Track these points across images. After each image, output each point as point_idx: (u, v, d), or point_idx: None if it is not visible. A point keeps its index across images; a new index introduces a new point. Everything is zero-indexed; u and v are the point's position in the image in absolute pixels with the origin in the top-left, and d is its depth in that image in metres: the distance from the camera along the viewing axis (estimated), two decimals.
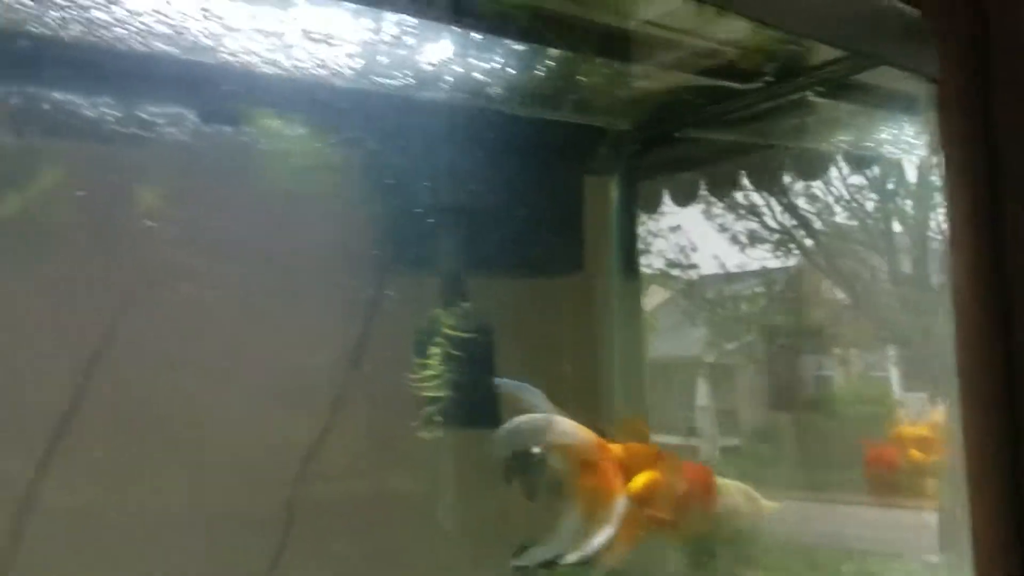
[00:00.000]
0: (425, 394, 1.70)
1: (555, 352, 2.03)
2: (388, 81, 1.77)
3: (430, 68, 1.70)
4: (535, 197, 1.97)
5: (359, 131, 1.89)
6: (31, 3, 1.49)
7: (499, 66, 1.66)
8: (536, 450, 1.88)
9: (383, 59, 1.69)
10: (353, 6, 1.52)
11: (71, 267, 1.82)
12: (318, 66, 1.72)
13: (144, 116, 1.91)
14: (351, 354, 2.01)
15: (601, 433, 1.51)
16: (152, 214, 1.84)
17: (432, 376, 1.68)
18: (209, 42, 1.65)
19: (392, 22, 1.59)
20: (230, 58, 1.70)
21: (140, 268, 1.86)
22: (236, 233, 1.88)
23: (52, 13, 1.53)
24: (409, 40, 1.62)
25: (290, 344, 1.93)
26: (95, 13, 1.54)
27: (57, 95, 1.82)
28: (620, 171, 2.05)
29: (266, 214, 1.90)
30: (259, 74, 1.75)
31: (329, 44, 1.63)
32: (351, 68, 1.73)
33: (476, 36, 1.58)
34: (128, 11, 1.53)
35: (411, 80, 1.74)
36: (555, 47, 1.56)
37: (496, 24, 1.50)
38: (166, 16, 1.56)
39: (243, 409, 1.92)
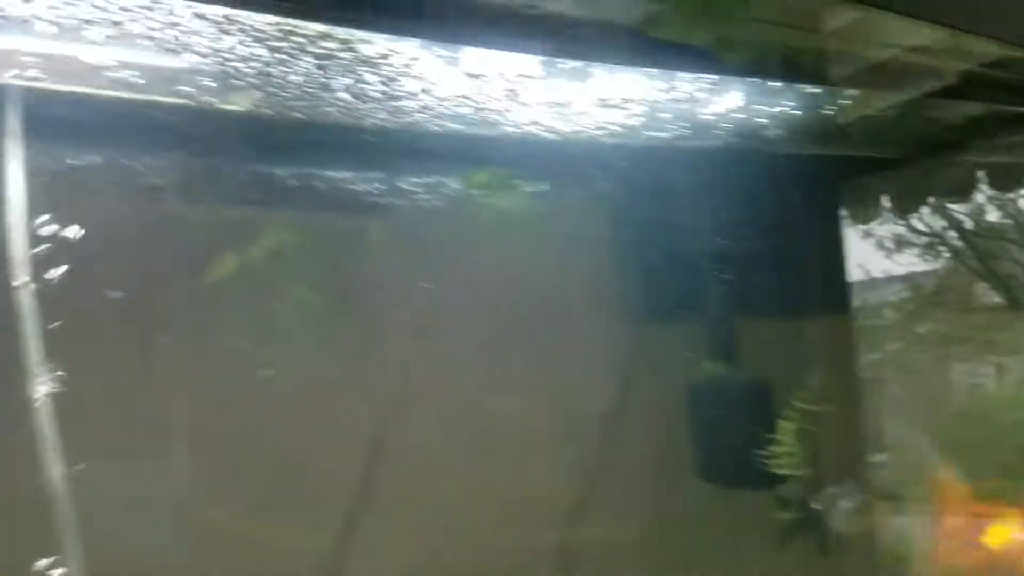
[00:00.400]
0: (777, 471, 1.71)
1: (826, 398, 2.04)
2: (659, 134, 1.82)
3: (711, 118, 1.75)
4: (802, 236, 1.99)
5: (624, 184, 1.94)
6: (353, 99, 1.59)
7: (788, 109, 1.69)
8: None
9: (664, 115, 1.74)
10: (655, 71, 1.58)
11: (356, 334, 1.90)
12: (595, 128, 1.79)
13: (404, 186, 2.00)
14: (613, 405, 2.04)
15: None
16: (427, 277, 1.92)
17: (786, 453, 1.69)
18: (497, 117, 1.73)
19: (687, 80, 1.64)
20: (511, 129, 1.78)
21: (412, 332, 1.93)
22: (499, 291, 1.95)
23: (362, 105, 1.63)
24: (700, 95, 1.67)
25: (555, 397, 1.98)
26: (404, 103, 1.63)
27: (331, 173, 1.93)
28: (883, 200, 2.06)
29: (526, 270, 1.96)
30: (534, 141, 1.83)
31: (618, 108, 1.69)
32: (627, 126, 1.78)
33: (774, 84, 1.62)
34: (436, 98, 1.62)
35: (686, 131, 1.79)
36: (857, 87, 1.60)
37: (807, 73, 1.54)
38: (469, 99, 1.64)
39: (515, 463, 1.97)
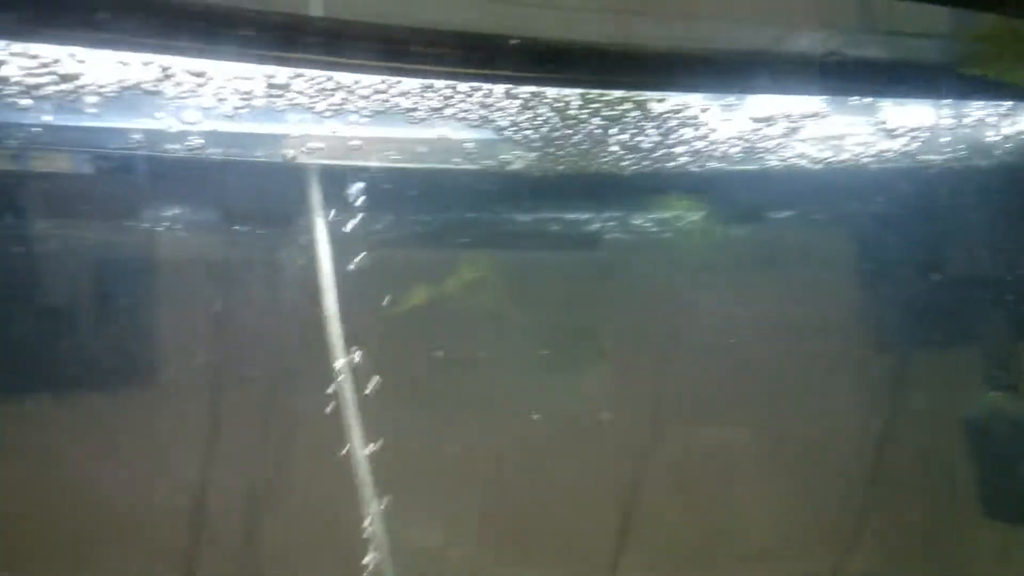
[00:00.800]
0: None
1: None
2: (933, 157, 1.76)
3: (995, 139, 1.67)
4: None
5: (891, 207, 1.89)
6: (622, 151, 1.60)
7: None
8: None
9: (945, 139, 1.68)
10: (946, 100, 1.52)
11: (603, 368, 1.92)
12: (867, 156, 1.74)
13: (641, 222, 2.01)
14: (880, 436, 2.00)
15: None
16: (663, 307, 1.92)
17: None
18: (764, 154, 1.71)
19: (977, 107, 1.58)
20: (775, 163, 1.75)
21: (658, 362, 1.94)
22: (746, 319, 1.93)
23: (631, 155, 1.64)
24: (991, 119, 1.60)
25: (816, 428, 1.95)
26: (675, 149, 1.63)
27: (570, 215, 1.95)
28: None
29: (786, 298, 1.94)
30: (794, 172, 1.79)
31: (899, 136, 1.64)
32: (903, 152, 1.73)
33: None
34: (709, 142, 1.61)
35: (962, 153, 1.73)
36: None
37: None
38: (743, 139, 1.62)
39: (776, 494, 1.96)
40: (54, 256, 1.38)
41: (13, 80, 1.08)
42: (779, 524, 1.96)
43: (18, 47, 1.00)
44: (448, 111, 1.33)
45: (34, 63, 1.04)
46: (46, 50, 1.04)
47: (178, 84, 1.14)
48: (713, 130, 1.55)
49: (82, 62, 1.06)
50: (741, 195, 1.86)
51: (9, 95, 1.10)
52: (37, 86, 1.10)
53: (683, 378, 1.93)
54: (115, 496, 1.44)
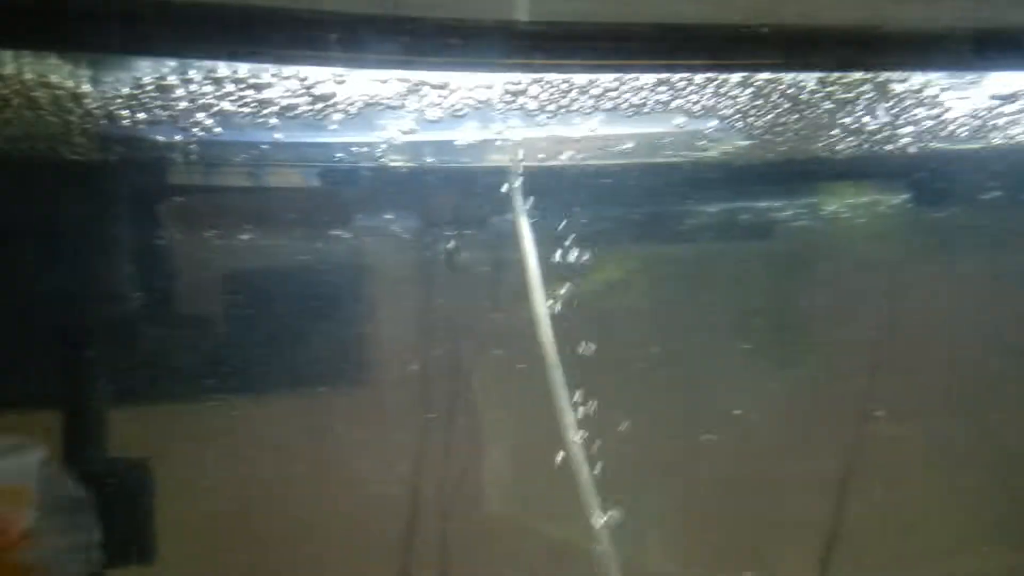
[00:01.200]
0: None
1: None
2: None
3: None
4: None
5: None
6: (841, 133, 1.52)
7: None
8: None
9: None
10: None
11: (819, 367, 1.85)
12: None
13: (834, 208, 1.91)
14: None
15: None
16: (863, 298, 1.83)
17: None
18: (991, 132, 1.59)
19: None
20: (1001, 141, 1.63)
21: (865, 356, 1.85)
22: (968, 310, 1.82)
23: (849, 138, 1.55)
24: None
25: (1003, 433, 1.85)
26: (900, 130, 1.53)
27: (762, 204, 1.87)
28: None
29: (998, 285, 1.83)
30: (1018, 152, 1.67)
31: None
32: None
33: None
34: (939, 121, 1.51)
35: None
36: None
37: None
38: (976, 117, 1.52)
39: (991, 490, 1.86)
40: (285, 264, 1.42)
41: (271, 101, 1.09)
42: (988, 519, 1.88)
43: (289, 70, 1.01)
44: (675, 103, 1.28)
45: (298, 85, 1.05)
46: (308, 71, 1.04)
47: (422, 97, 1.13)
48: (947, 109, 1.45)
49: (341, 82, 1.06)
50: (958, 175, 1.75)
51: (263, 115, 1.12)
52: (292, 106, 1.11)
53: (888, 372, 1.86)
54: (340, 487, 1.48)
